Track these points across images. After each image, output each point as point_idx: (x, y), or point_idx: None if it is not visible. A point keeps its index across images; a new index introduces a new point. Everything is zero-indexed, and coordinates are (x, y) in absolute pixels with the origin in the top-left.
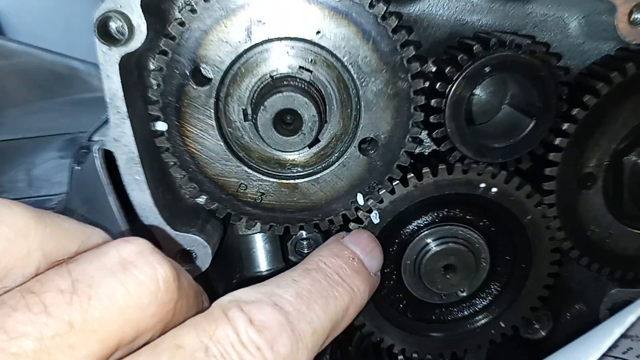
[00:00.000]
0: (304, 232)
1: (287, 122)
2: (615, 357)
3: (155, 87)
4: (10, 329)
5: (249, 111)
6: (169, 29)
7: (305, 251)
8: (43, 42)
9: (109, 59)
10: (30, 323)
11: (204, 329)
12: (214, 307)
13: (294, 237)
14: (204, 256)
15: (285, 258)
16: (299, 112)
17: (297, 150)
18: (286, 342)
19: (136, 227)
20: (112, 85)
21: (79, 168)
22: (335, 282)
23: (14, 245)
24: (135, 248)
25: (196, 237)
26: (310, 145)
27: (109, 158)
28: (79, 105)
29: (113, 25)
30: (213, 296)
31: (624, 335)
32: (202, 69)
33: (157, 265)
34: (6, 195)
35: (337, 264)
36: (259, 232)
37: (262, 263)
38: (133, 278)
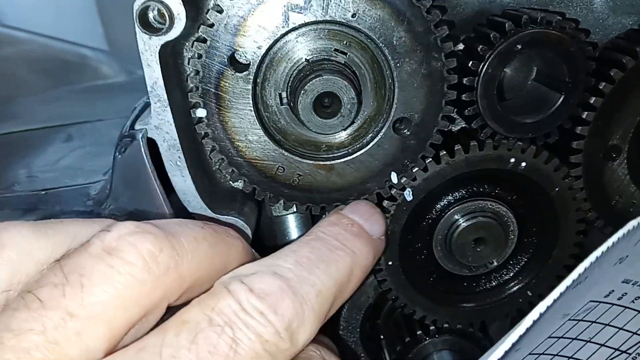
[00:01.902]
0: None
1: (325, 104)
2: (612, 304)
3: (193, 74)
4: (15, 327)
5: (285, 95)
6: (207, 16)
7: None
8: (34, 27)
9: (149, 48)
10: (31, 319)
11: (207, 304)
12: (216, 284)
13: (324, 215)
14: (244, 237)
15: None
16: (338, 95)
17: (335, 133)
18: (289, 304)
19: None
20: (153, 73)
21: (120, 156)
22: (334, 246)
23: (19, 265)
24: (115, 234)
25: (236, 219)
26: (345, 127)
27: (150, 145)
28: (91, 92)
29: (152, 14)
30: None
31: (624, 281)
32: (240, 55)
33: (137, 243)
34: (42, 184)
35: (336, 231)
36: (294, 213)
37: None
38: (119, 260)
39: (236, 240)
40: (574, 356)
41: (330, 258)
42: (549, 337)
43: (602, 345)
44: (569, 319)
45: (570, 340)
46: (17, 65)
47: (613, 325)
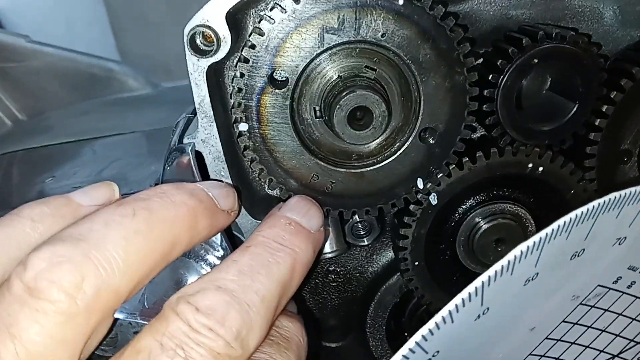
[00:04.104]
0: (356, 216)
1: (357, 117)
2: (622, 292)
3: (236, 92)
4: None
5: (319, 109)
6: (250, 38)
7: (361, 233)
8: (45, 39)
9: (197, 69)
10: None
11: (157, 330)
12: (165, 308)
13: (350, 220)
14: None
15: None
16: (370, 108)
17: (366, 143)
18: (236, 315)
19: None
20: (201, 92)
21: (169, 168)
22: (274, 249)
23: None
24: (32, 273)
25: None
26: (377, 137)
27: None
28: (120, 105)
29: (199, 38)
30: None
31: (631, 268)
32: (278, 74)
33: (56, 279)
34: None
35: (275, 233)
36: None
37: (326, 246)
38: (43, 301)
39: (180, 207)
40: (591, 345)
41: (271, 261)
42: (564, 321)
43: (617, 335)
44: (581, 304)
45: (586, 328)
46: (45, 80)
47: (626, 316)
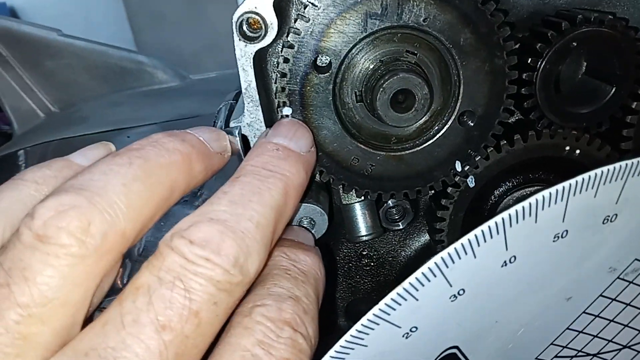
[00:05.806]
0: (390, 202)
1: (399, 101)
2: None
3: (281, 77)
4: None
5: (360, 93)
6: (295, 25)
7: (396, 217)
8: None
9: (245, 54)
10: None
11: (154, 266)
12: (160, 245)
13: (384, 205)
14: (321, 223)
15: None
16: (412, 91)
17: (407, 126)
18: (231, 243)
19: None
20: (247, 77)
21: None
22: (264, 176)
23: None
24: (40, 221)
25: (314, 206)
26: (418, 120)
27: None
28: (151, 96)
29: (246, 25)
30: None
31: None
32: (322, 59)
33: (64, 225)
34: None
35: (262, 160)
36: (360, 201)
37: (363, 228)
38: (53, 246)
39: (174, 153)
40: (629, 324)
41: (263, 188)
42: (601, 295)
43: None
44: (619, 278)
45: (625, 305)
46: (77, 73)
47: None
